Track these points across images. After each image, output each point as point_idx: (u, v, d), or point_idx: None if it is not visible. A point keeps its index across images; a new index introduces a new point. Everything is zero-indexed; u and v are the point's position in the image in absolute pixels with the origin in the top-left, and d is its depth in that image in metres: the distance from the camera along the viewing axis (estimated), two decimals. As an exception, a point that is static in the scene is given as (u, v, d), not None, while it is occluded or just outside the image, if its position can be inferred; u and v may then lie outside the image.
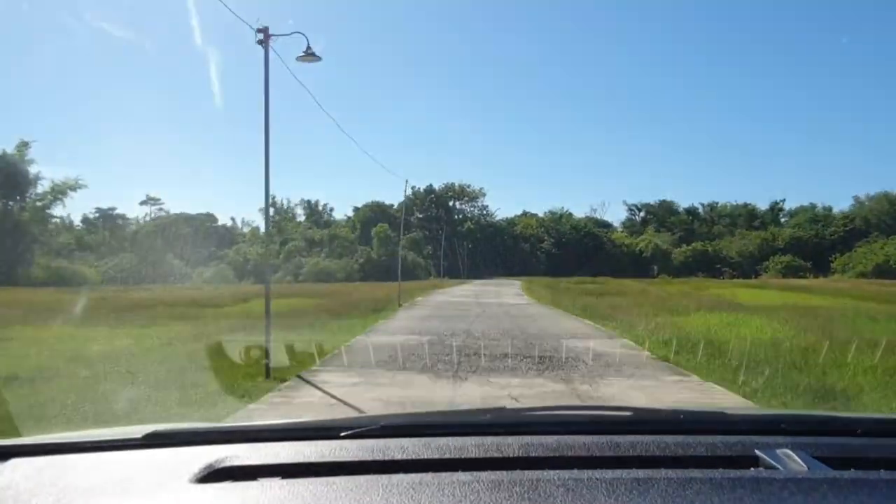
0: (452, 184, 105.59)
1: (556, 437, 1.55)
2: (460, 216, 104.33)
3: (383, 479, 1.27)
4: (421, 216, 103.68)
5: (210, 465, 1.39)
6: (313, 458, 1.44)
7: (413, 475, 1.29)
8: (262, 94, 10.32)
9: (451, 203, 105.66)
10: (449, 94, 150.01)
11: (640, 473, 1.29)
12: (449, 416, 2.17)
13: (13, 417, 6.37)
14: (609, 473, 1.28)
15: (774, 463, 1.39)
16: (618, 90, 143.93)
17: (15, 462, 1.50)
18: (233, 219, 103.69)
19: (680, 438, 1.56)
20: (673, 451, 1.48)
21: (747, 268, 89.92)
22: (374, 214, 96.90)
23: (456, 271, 79.75)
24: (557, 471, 1.30)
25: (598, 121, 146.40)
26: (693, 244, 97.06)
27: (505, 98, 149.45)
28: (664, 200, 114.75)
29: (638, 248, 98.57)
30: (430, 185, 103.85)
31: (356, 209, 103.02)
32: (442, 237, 60.67)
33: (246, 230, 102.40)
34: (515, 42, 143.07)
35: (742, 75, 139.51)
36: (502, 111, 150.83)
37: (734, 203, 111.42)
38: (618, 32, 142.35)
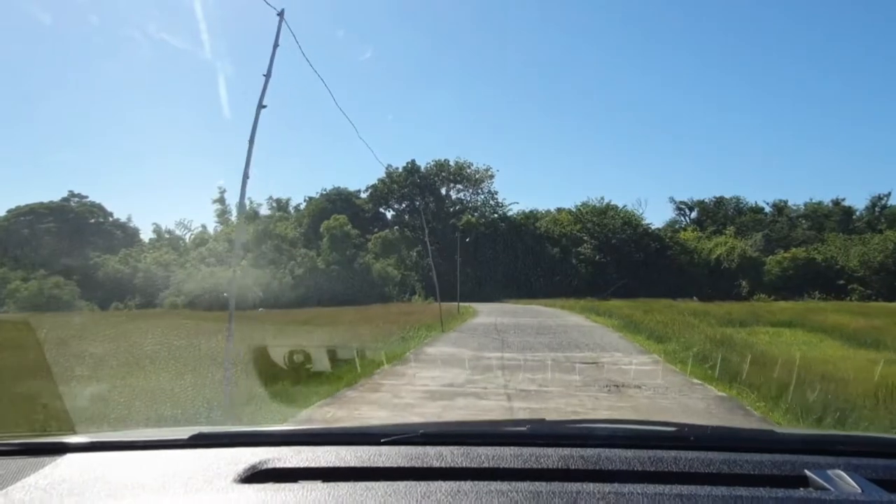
0: (445, 161, 71.98)
1: (595, 450, 1.50)
2: (458, 207, 71.39)
3: (422, 485, 1.28)
4: (399, 207, 72.19)
5: (253, 466, 1.44)
6: (353, 463, 1.47)
7: (451, 483, 1.29)
8: None
9: (443, 190, 72.60)
10: (454, 87, 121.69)
11: (684, 489, 1.24)
12: (488, 426, 2.24)
13: (69, 414, 6.16)
14: (651, 488, 1.24)
15: (825, 483, 1.32)
16: (646, 83, 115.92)
17: (70, 457, 1.58)
18: (217, 224, 73.75)
19: (725, 455, 1.47)
20: (718, 469, 1.41)
21: (879, 284, 61.38)
22: (331, 206, 67.01)
23: (450, 288, 48.66)
24: (597, 484, 1.28)
25: (628, 111, 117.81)
26: (791, 251, 67.54)
27: (514, 89, 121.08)
28: (722, 197, 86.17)
29: (714, 255, 68.71)
30: (413, 162, 71.23)
31: (309, 199, 72.48)
32: (424, 232, 30.02)
33: (193, 235, 72.56)
34: (520, 38, 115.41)
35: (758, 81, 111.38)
36: (511, 101, 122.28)
37: (811, 201, 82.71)
38: (622, 31, 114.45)
